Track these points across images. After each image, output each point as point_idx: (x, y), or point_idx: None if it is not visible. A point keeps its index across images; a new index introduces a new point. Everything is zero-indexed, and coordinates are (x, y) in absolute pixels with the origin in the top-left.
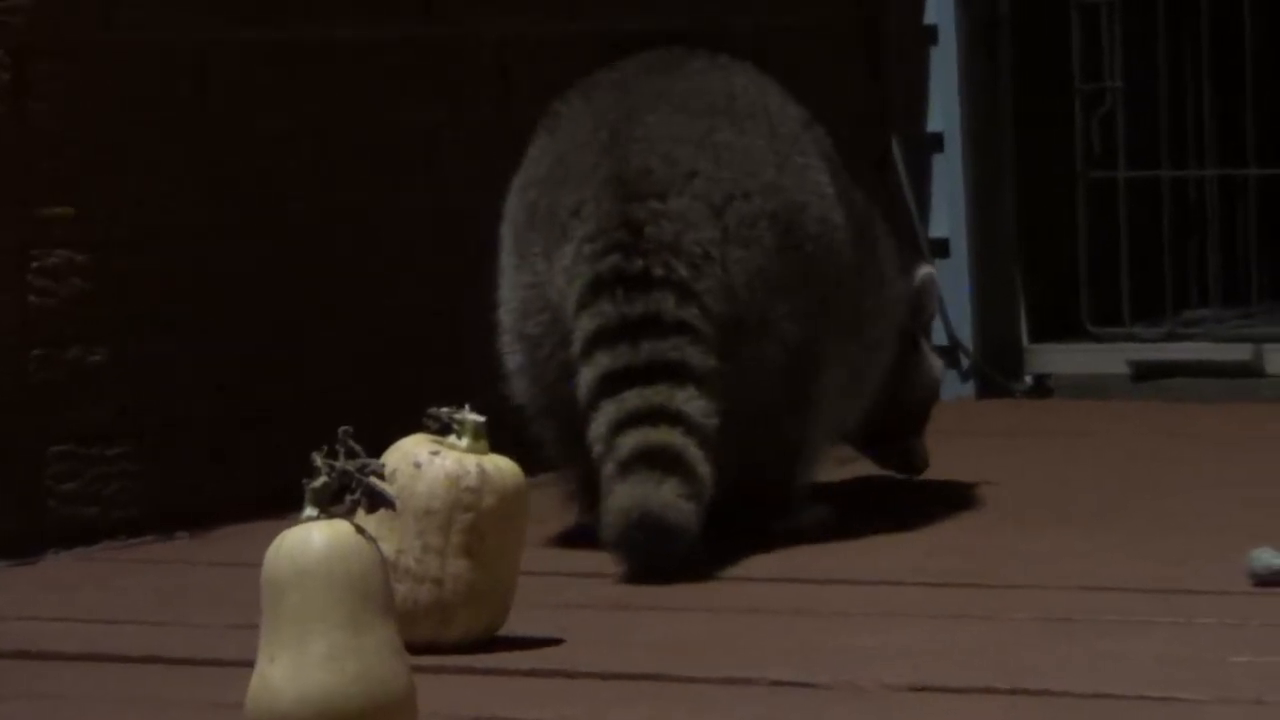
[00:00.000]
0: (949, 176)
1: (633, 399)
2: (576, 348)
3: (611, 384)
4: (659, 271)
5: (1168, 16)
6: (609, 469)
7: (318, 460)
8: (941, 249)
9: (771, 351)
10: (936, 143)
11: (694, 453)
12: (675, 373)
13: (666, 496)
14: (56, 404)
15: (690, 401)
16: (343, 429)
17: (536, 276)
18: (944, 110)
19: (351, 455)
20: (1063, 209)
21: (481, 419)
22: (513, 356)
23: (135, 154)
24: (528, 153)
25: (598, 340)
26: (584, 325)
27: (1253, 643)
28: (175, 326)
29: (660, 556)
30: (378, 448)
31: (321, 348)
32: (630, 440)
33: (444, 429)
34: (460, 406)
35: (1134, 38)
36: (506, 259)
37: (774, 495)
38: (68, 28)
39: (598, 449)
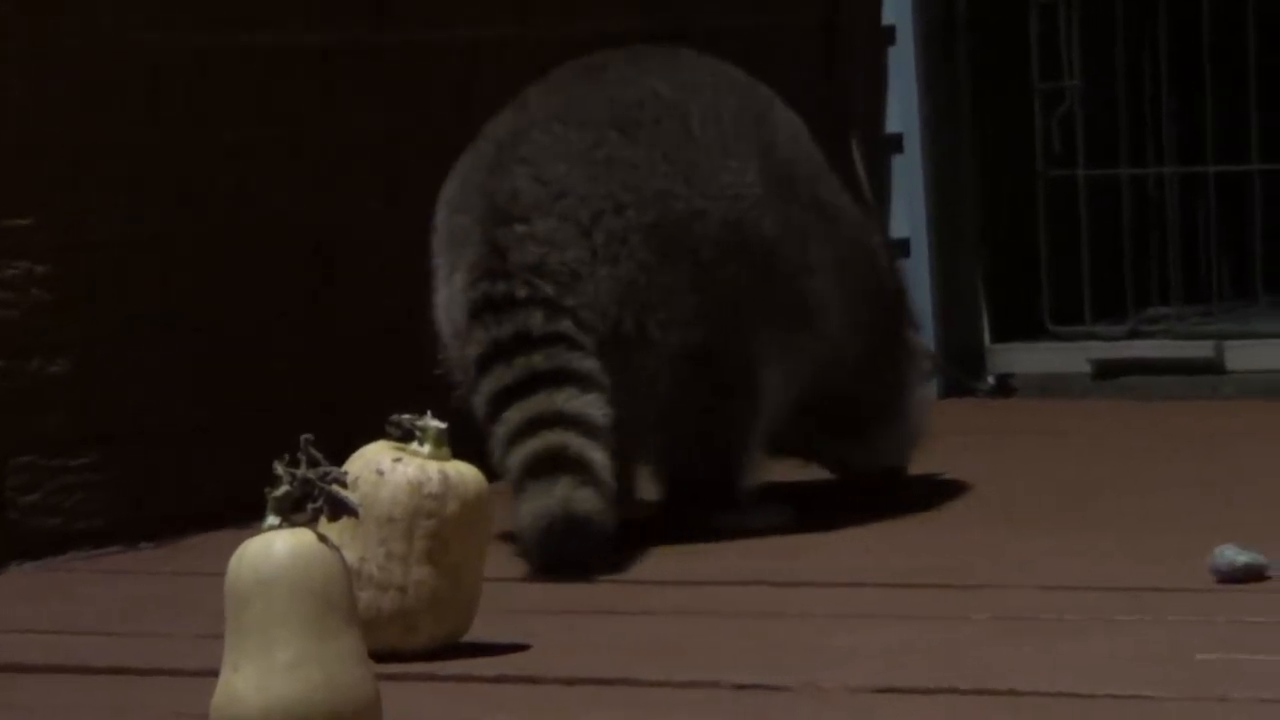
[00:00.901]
0: (909, 177)
1: (513, 415)
2: (470, 372)
3: (496, 405)
4: (523, 293)
5: (1126, 15)
6: (511, 483)
7: (279, 469)
8: (902, 249)
9: (657, 357)
10: (896, 143)
11: (580, 443)
12: (551, 379)
13: (565, 492)
14: (18, 415)
15: (570, 400)
16: (304, 437)
17: (447, 300)
18: (903, 111)
19: (313, 463)
20: (1023, 208)
21: (443, 426)
22: (447, 371)
23: (93, 163)
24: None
25: (480, 366)
26: (469, 353)
27: (1218, 640)
28: (137, 336)
29: (579, 549)
30: (340, 455)
31: (284, 355)
32: (519, 454)
33: (406, 436)
34: (422, 413)
35: (1092, 36)
36: (436, 282)
37: (716, 494)
38: (23, 35)
39: (498, 470)
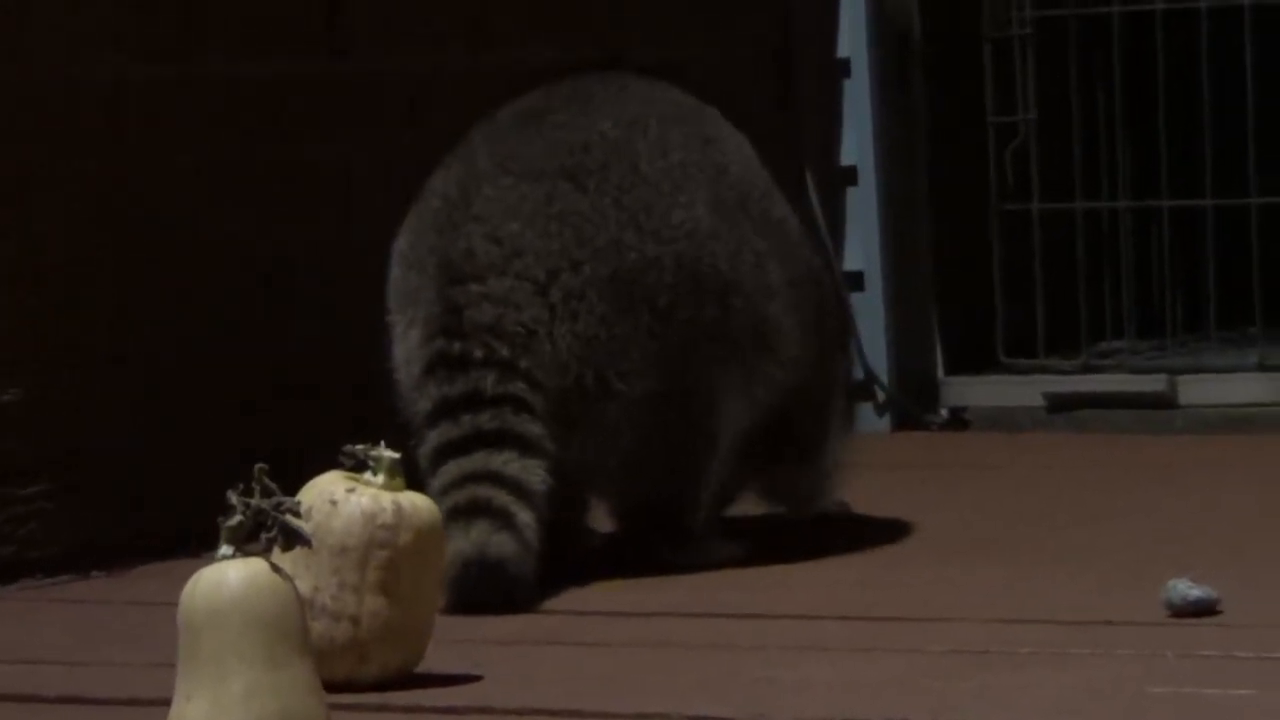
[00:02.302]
0: (863, 210)
1: (450, 470)
2: (419, 429)
3: (437, 460)
4: (479, 354)
5: (1080, 49)
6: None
7: (233, 498)
8: (856, 282)
9: (619, 406)
10: (850, 176)
11: (506, 499)
12: (492, 441)
13: (481, 536)
14: None
15: (508, 463)
16: (258, 466)
17: (401, 356)
18: (857, 143)
19: (267, 493)
20: (977, 241)
21: (397, 456)
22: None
23: (46, 189)
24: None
25: (429, 420)
26: (418, 408)
27: (1171, 674)
28: (89, 363)
29: (493, 592)
30: (293, 485)
31: (236, 384)
32: (448, 502)
33: (359, 466)
34: (376, 443)
35: (1046, 70)
36: (393, 334)
37: (671, 528)
38: None
39: None
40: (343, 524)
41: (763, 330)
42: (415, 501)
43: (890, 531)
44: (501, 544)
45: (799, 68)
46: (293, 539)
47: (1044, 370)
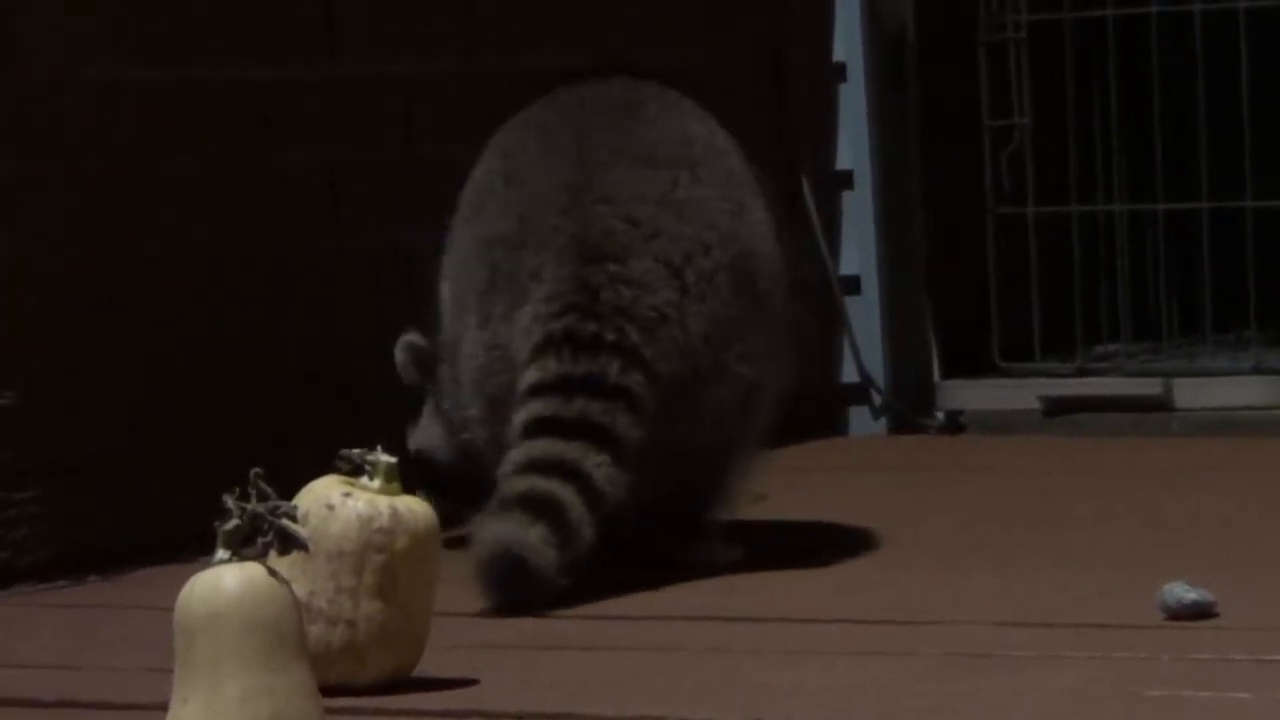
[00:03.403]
0: (859, 213)
1: (543, 446)
2: (516, 398)
3: (533, 429)
4: (610, 336)
5: (1075, 53)
6: (494, 502)
7: (229, 502)
8: (852, 286)
9: (724, 394)
10: (846, 180)
11: (578, 512)
12: (597, 436)
13: (532, 540)
14: None
15: (600, 467)
16: (254, 471)
17: (497, 338)
18: (853, 147)
19: (263, 497)
20: (973, 245)
21: (394, 460)
22: (472, 408)
23: (39, 194)
24: (477, 197)
25: (535, 391)
26: (526, 378)
27: (1166, 677)
28: (84, 368)
29: (513, 594)
30: (289, 490)
31: (231, 388)
32: (524, 483)
33: (356, 470)
34: (372, 448)
35: (1042, 74)
36: (466, 318)
37: (684, 527)
38: None
39: (499, 485)
40: (339, 528)
41: (788, 328)
42: (412, 506)
43: (886, 535)
44: (546, 559)
45: (794, 71)
46: (289, 543)
47: (1040, 374)
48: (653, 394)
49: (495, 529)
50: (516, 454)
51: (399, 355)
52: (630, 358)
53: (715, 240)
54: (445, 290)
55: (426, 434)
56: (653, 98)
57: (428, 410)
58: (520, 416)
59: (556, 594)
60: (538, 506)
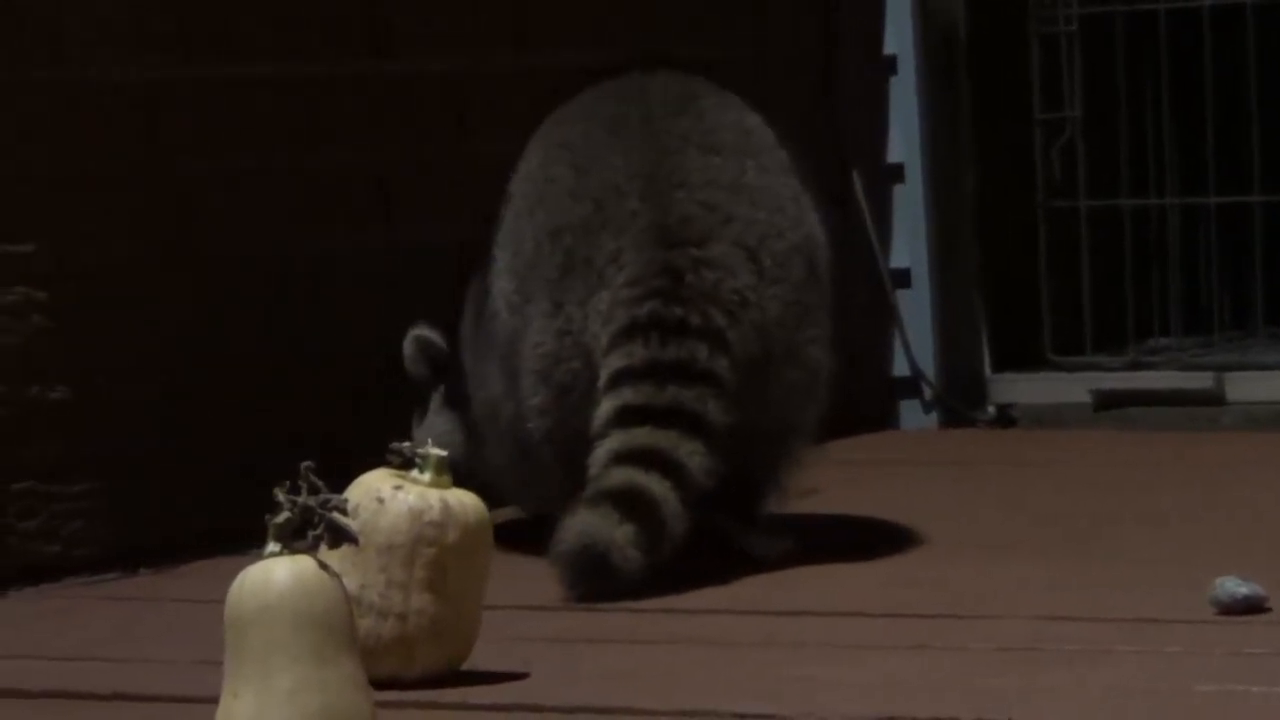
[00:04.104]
0: (910, 207)
1: (642, 436)
2: (601, 384)
3: (626, 417)
4: (696, 320)
5: (1127, 45)
6: (589, 491)
7: (280, 496)
8: (903, 280)
9: (794, 377)
10: (897, 174)
11: (670, 508)
12: (691, 423)
13: (619, 539)
14: (17, 441)
15: (694, 456)
16: (305, 464)
17: (571, 324)
18: (904, 141)
19: (314, 490)
20: (1024, 239)
21: (444, 453)
22: (534, 397)
23: (92, 191)
24: (536, 189)
25: (623, 376)
26: (613, 363)
27: (1218, 671)
28: (135, 362)
29: (592, 590)
30: (340, 483)
31: (282, 384)
32: (620, 475)
33: (407, 463)
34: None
35: (1093, 67)
36: (531, 308)
37: (745, 515)
38: (19, 65)
39: (592, 472)
40: (390, 521)
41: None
42: (462, 499)
43: (936, 529)
44: (630, 560)
45: (845, 65)
46: (340, 536)
47: (1091, 367)
48: (735, 379)
49: (584, 522)
50: (609, 443)
51: (407, 348)
52: (715, 342)
53: (785, 225)
54: (502, 284)
55: (434, 428)
56: (705, 90)
57: (435, 404)
58: (609, 404)
59: (635, 572)
60: (631, 503)
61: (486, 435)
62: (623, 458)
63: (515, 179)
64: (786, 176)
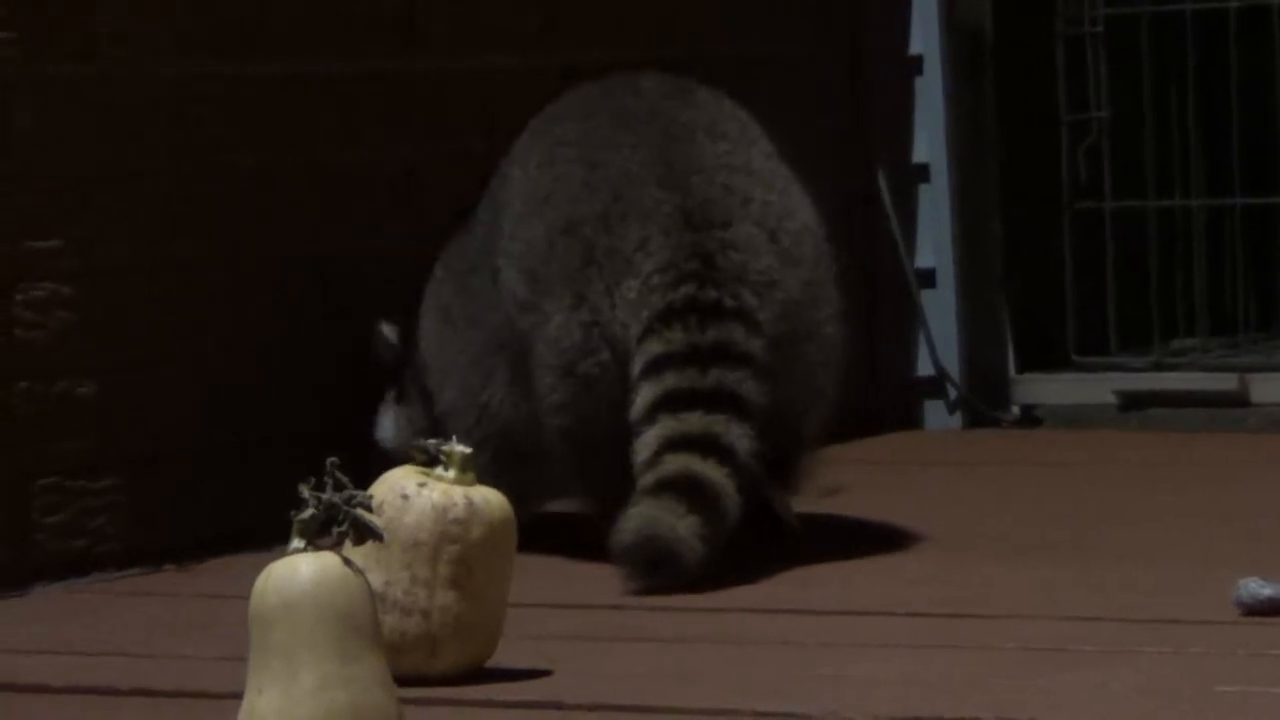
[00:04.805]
0: (935, 207)
1: (694, 421)
2: (636, 370)
3: (673, 402)
4: (730, 302)
5: (1153, 46)
6: (647, 480)
7: (305, 492)
8: (928, 279)
9: (815, 354)
10: (922, 173)
11: (730, 498)
12: (736, 406)
13: (683, 531)
14: (43, 437)
15: (742, 439)
16: (330, 461)
17: (598, 315)
18: (929, 141)
19: (339, 487)
20: (1049, 239)
21: (469, 450)
22: (554, 394)
23: (119, 187)
24: (536, 188)
25: (665, 362)
26: (650, 349)
27: (1241, 672)
28: (161, 359)
29: (657, 581)
30: (364, 480)
31: (308, 380)
32: (678, 462)
33: (431, 460)
34: (447, 438)
35: (1119, 67)
36: (547, 304)
37: (786, 480)
38: (51, 61)
39: (642, 458)
40: (414, 518)
41: None
42: (487, 496)
43: (960, 529)
44: (695, 552)
45: (871, 64)
46: (364, 533)
47: (1116, 368)
48: (767, 359)
49: (647, 513)
50: (658, 429)
51: (374, 340)
52: (749, 323)
53: (794, 205)
54: (509, 287)
55: (382, 428)
56: (695, 84)
57: (386, 401)
58: (650, 389)
59: (699, 562)
60: (692, 492)
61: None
62: (676, 444)
63: (504, 186)
64: (780, 163)
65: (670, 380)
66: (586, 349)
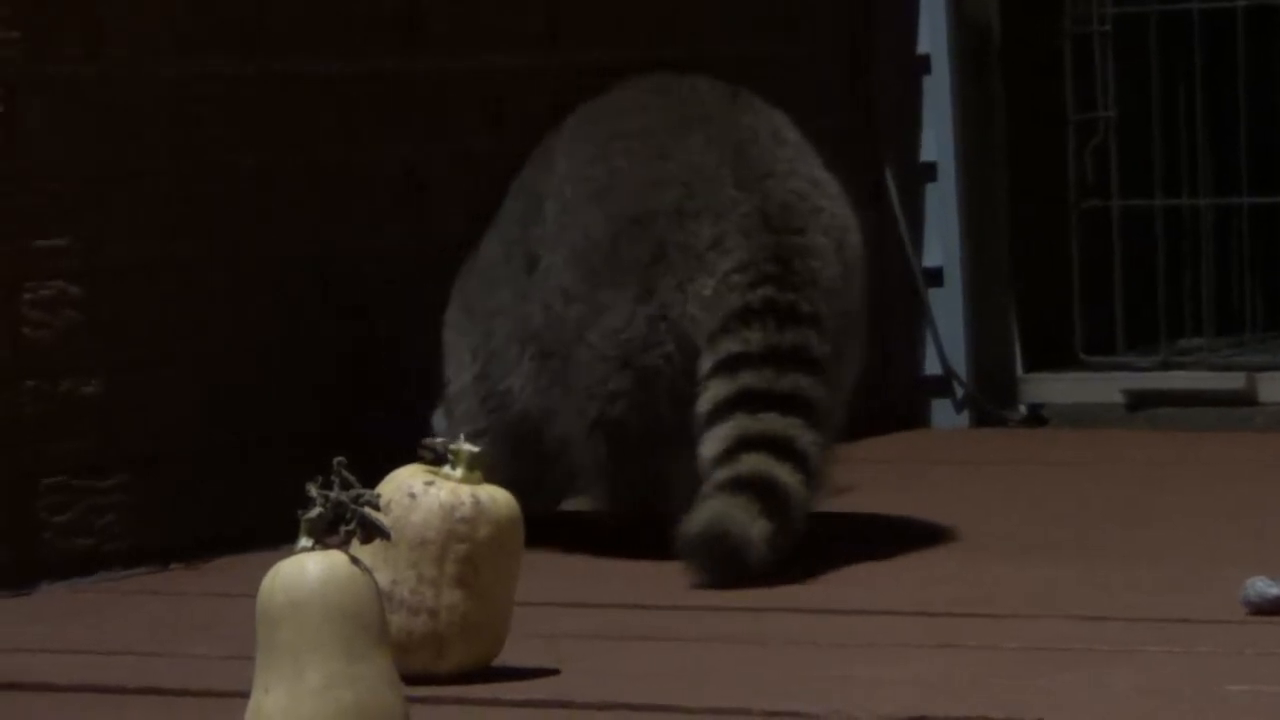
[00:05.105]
0: (942, 206)
1: (771, 421)
2: (708, 366)
3: (749, 402)
4: (805, 307)
5: (1160, 46)
6: (721, 475)
7: (312, 491)
8: (935, 279)
9: (850, 364)
10: (930, 172)
11: (800, 505)
12: (808, 411)
13: (754, 535)
14: (50, 435)
15: (813, 446)
16: (337, 460)
17: (665, 309)
18: (937, 140)
19: (346, 486)
20: (1056, 238)
21: (476, 450)
22: (609, 384)
23: (125, 186)
24: (597, 174)
25: (740, 361)
26: (725, 347)
27: (1250, 672)
28: (168, 358)
29: (722, 579)
30: (371, 479)
31: (313, 381)
32: (752, 462)
33: (439, 459)
34: (455, 437)
35: (1127, 67)
36: (611, 294)
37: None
38: (56, 60)
39: (714, 451)
40: (421, 517)
41: None
42: (494, 495)
43: (967, 528)
44: (762, 557)
45: (879, 64)
46: (371, 532)
47: (1123, 367)
48: (832, 366)
49: (721, 510)
50: (733, 427)
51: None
52: (820, 328)
53: (849, 220)
54: (557, 275)
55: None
56: (746, 91)
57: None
58: (724, 386)
59: (767, 563)
60: (767, 495)
61: (465, 423)
62: (752, 442)
63: (545, 176)
64: (832, 176)
65: (746, 379)
66: (650, 341)
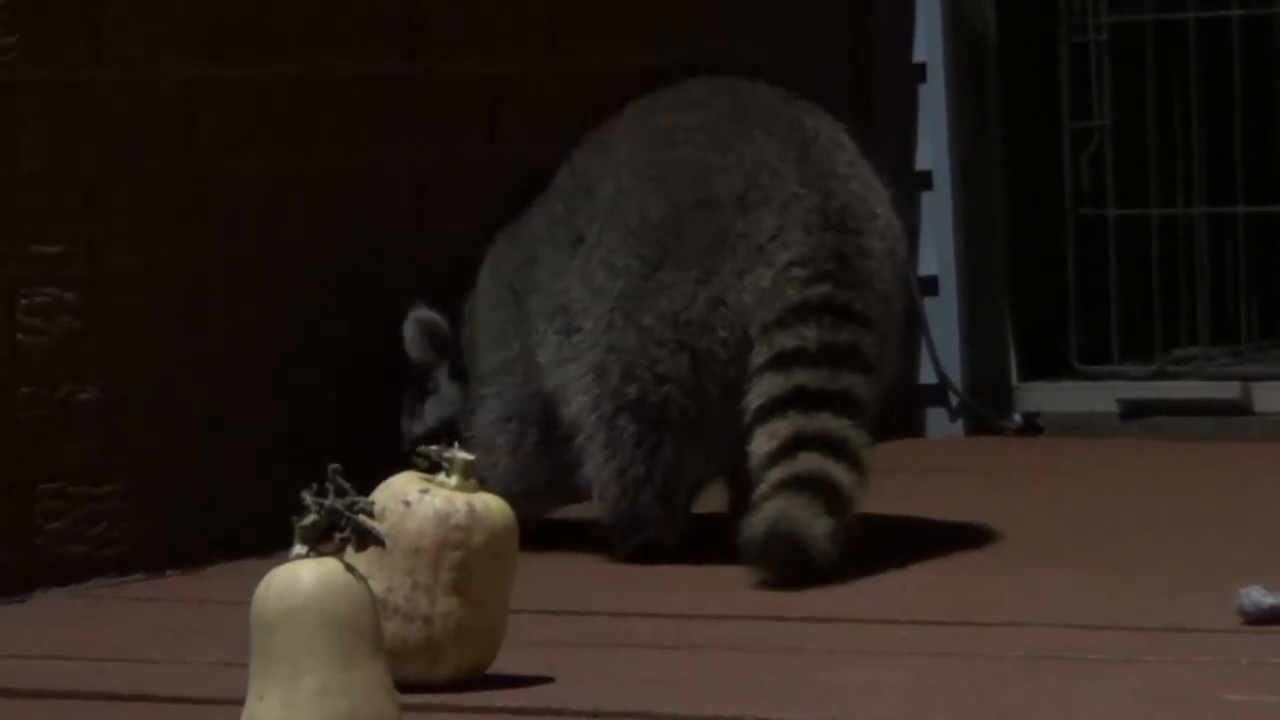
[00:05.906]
0: (938, 214)
1: (828, 420)
2: (761, 360)
3: (804, 399)
4: (860, 308)
5: (1156, 54)
6: (781, 473)
7: (307, 498)
8: (931, 287)
9: (887, 368)
10: (925, 180)
11: (856, 505)
12: (860, 412)
13: (818, 533)
14: (45, 442)
15: (863, 449)
16: (332, 467)
17: (726, 295)
18: (933, 148)
19: (341, 493)
20: (1052, 247)
21: (471, 458)
22: (660, 365)
23: (122, 192)
24: (662, 162)
25: (795, 358)
26: (780, 342)
27: (1244, 681)
28: (164, 364)
29: (785, 577)
30: (366, 486)
31: (310, 386)
32: (812, 461)
33: (433, 467)
34: (450, 444)
35: (1123, 75)
36: (671, 274)
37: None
38: (54, 65)
39: (769, 448)
40: (416, 525)
41: None
42: (489, 503)
43: (962, 536)
44: (826, 554)
45: (875, 71)
46: (366, 539)
47: (1118, 376)
48: (882, 369)
49: (787, 508)
50: (789, 424)
51: (409, 330)
52: (874, 331)
53: (900, 231)
54: (607, 253)
55: (448, 399)
56: (796, 94)
57: (443, 377)
58: (778, 383)
59: (828, 560)
60: (829, 494)
61: (497, 413)
62: (809, 441)
63: (600, 160)
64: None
65: (800, 376)
66: (707, 325)
